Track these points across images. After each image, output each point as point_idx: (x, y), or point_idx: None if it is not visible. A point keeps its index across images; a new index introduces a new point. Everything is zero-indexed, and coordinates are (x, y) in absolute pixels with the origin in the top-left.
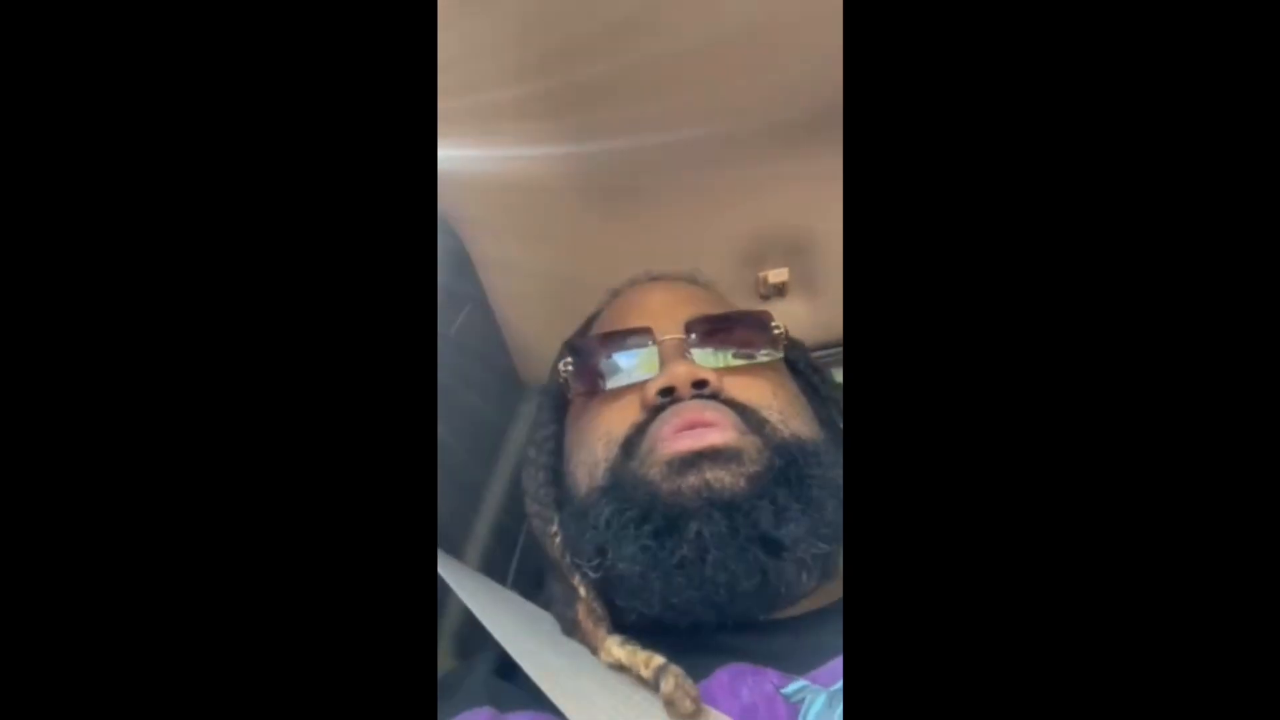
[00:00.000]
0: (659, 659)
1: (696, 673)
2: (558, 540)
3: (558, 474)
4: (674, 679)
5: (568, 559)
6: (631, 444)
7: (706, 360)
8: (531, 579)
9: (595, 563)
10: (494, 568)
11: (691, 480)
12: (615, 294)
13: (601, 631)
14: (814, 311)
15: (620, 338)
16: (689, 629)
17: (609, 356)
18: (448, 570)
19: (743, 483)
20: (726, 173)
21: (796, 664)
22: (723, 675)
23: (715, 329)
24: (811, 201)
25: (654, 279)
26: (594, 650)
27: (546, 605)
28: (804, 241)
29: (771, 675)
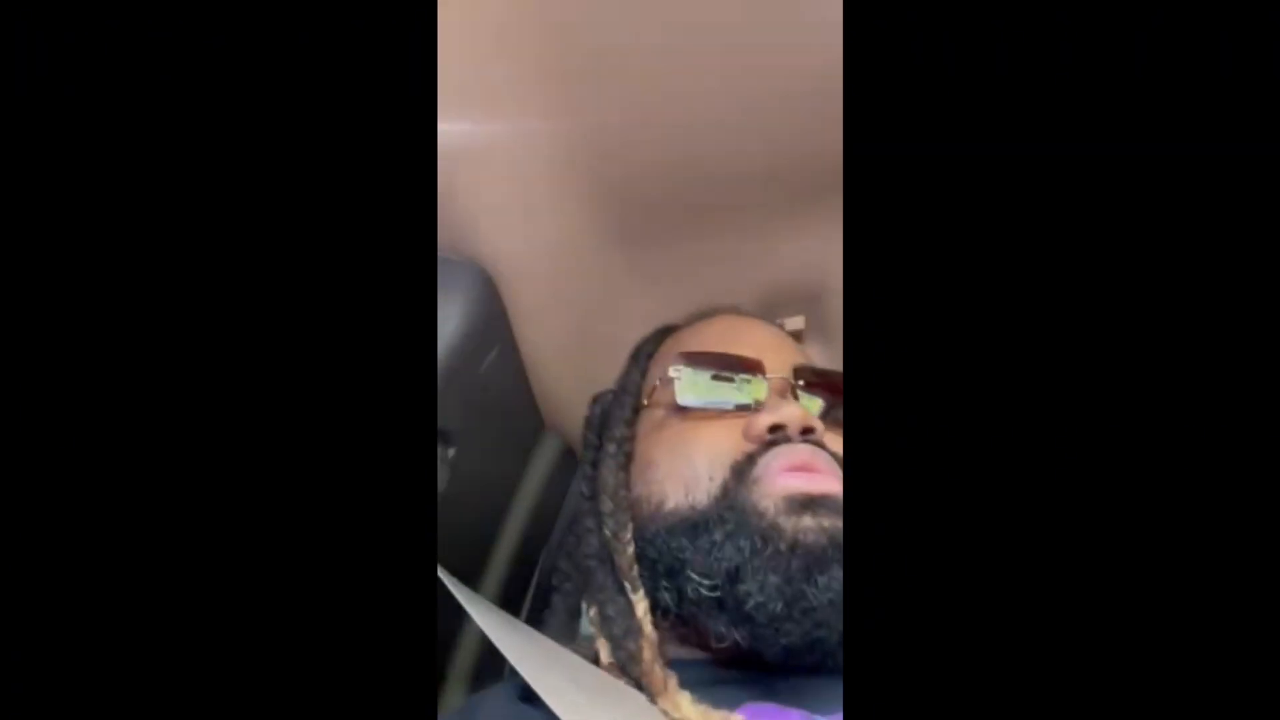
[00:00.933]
0: (738, 718)
1: (717, 708)
2: (629, 550)
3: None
4: None
5: (635, 571)
6: (742, 470)
7: (810, 409)
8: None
9: (717, 583)
10: (509, 604)
11: (809, 523)
12: (701, 316)
13: (673, 683)
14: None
15: (734, 362)
16: (735, 664)
17: (722, 376)
18: (467, 602)
19: None
20: (746, 222)
21: (821, 703)
22: (741, 715)
23: (821, 382)
24: (826, 250)
25: (742, 314)
26: (651, 692)
27: (560, 630)
28: (819, 289)
29: (795, 717)
